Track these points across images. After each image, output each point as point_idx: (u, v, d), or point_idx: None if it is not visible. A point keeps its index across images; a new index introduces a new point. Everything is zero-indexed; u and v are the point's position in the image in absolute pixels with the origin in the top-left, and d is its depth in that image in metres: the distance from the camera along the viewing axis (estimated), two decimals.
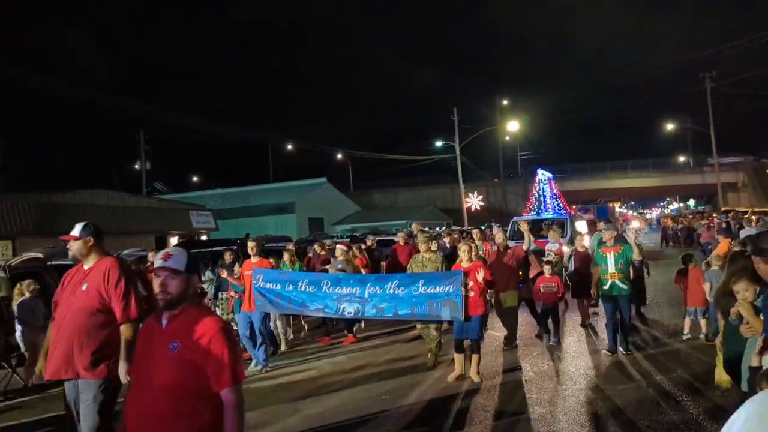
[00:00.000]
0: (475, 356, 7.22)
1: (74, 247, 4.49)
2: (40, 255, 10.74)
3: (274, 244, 15.18)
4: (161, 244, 25.25)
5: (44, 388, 8.05)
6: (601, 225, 8.87)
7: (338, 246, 10.69)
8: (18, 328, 7.89)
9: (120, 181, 45.45)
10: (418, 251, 8.69)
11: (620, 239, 8.57)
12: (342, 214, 48.98)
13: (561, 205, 20.22)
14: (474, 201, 42.26)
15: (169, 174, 58.76)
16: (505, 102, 47.95)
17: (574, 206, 23.04)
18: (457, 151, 39.56)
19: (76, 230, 4.56)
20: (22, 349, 8.02)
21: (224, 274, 9.49)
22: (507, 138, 49.31)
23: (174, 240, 26.54)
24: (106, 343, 4.23)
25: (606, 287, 7.95)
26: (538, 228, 14.19)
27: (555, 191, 20.45)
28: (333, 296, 7.96)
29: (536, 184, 20.40)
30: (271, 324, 9.66)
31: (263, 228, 32.48)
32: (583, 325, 9.98)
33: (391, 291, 7.65)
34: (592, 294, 8.70)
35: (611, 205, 46.09)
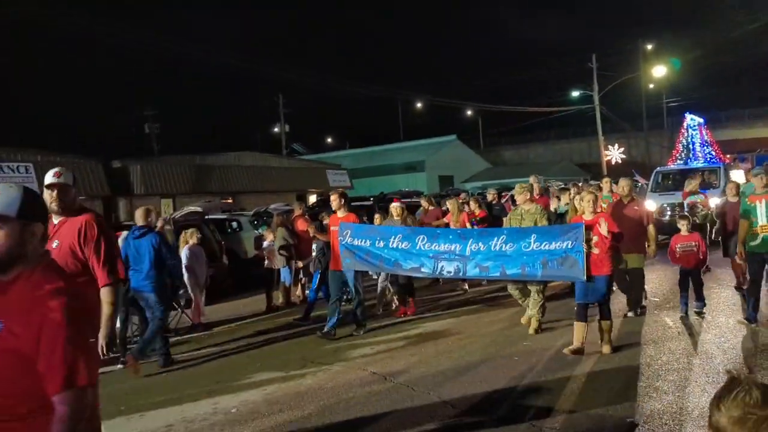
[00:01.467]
0: (605, 323, 6.20)
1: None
2: (198, 209, 11.88)
3: (408, 200, 15.50)
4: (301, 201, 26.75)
5: (209, 326, 9.05)
6: (754, 171, 7.62)
7: (393, 205, 9.43)
8: (184, 273, 8.80)
9: (262, 143, 48.34)
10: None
11: None
12: (472, 172, 48.52)
13: (713, 153, 18.51)
14: (614, 153, 39.83)
15: (307, 136, 61.50)
16: (649, 46, 44.20)
17: (728, 156, 20.93)
18: (596, 101, 37.32)
19: (67, 176, 3.69)
20: (189, 291, 8.99)
21: (312, 230, 8.65)
22: (651, 85, 45.61)
23: (313, 198, 27.94)
24: None
25: (755, 243, 6.73)
26: (685, 178, 13.25)
27: (706, 138, 18.71)
28: (429, 253, 7.17)
29: (684, 131, 18.76)
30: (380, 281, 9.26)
31: (394, 186, 33.14)
32: (738, 287, 8.69)
33: (497, 248, 6.71)
34: (738, 253, 7.38)
35: None
